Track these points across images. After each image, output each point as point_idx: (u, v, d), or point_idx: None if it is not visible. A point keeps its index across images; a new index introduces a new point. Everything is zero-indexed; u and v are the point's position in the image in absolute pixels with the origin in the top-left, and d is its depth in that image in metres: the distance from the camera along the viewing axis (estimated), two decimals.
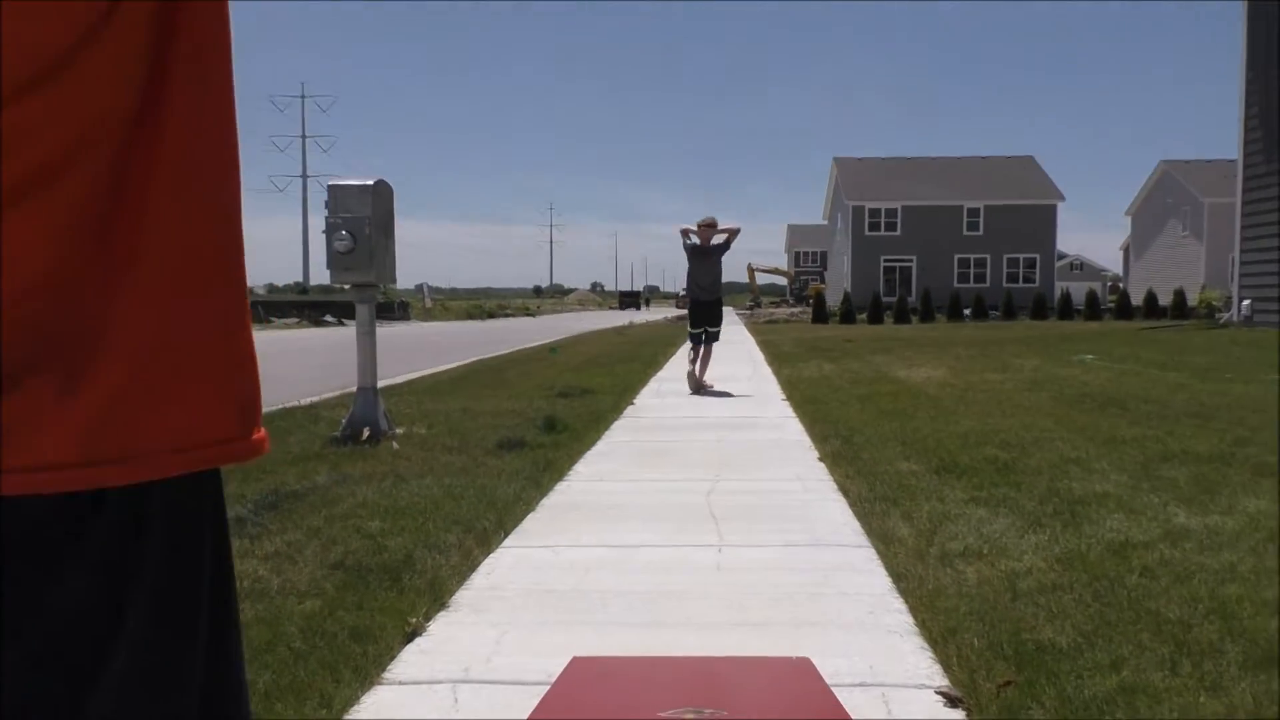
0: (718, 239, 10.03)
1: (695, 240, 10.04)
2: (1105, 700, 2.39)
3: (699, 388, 9.91)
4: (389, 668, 2.69)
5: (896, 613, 3.12)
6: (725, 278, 10.80)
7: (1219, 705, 2.34)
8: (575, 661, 2.31)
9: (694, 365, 10.09)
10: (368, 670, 2.65)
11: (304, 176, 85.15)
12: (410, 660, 2.74)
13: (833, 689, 2.33)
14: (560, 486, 5.10)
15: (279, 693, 2.51)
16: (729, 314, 37.25)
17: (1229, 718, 2.29)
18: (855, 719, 2.15)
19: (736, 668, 2.29)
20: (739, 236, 10.14)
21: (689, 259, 10.18)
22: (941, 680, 2.59)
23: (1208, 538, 3.84)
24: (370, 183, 5.88)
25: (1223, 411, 7.38)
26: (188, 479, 0.74)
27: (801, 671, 2.39)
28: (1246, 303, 19.54)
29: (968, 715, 2.38)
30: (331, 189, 5.94)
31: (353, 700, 2.50)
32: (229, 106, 0.77)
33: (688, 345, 10.61)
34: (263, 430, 0.78)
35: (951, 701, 2.45)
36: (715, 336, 10.22)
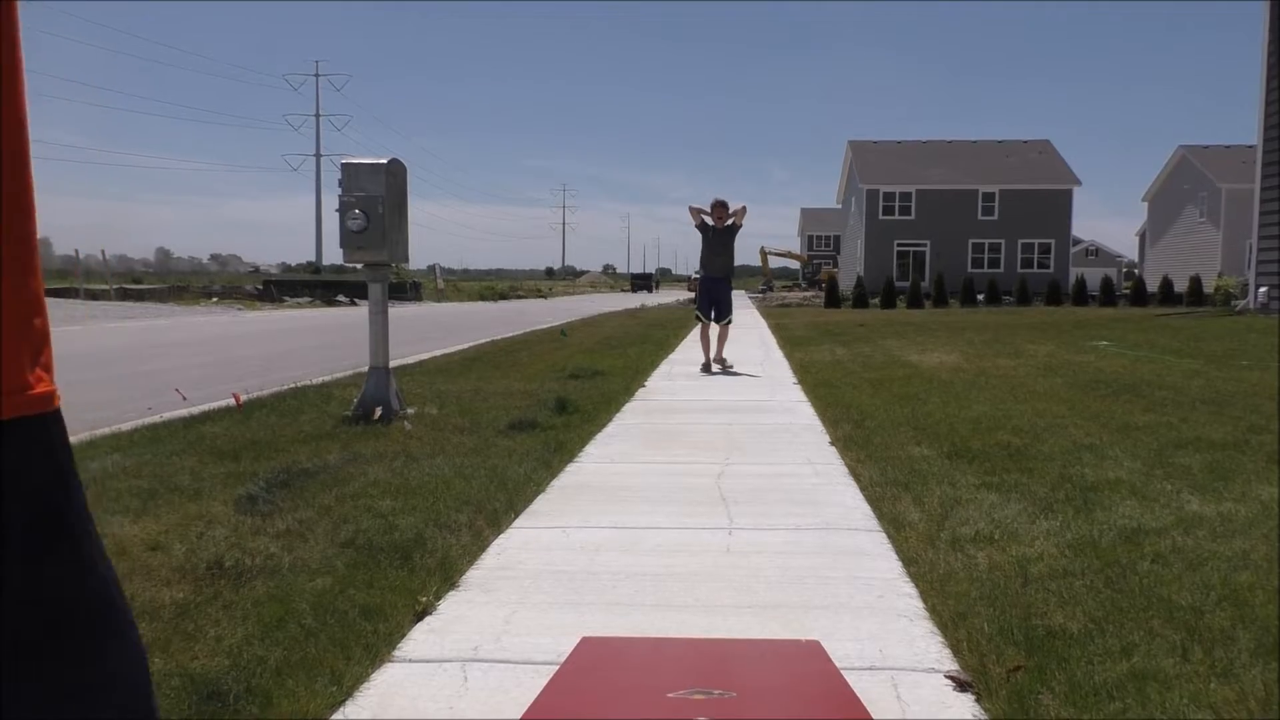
0: (729, 220, 10.34)
1: (710, 221, 10.28)
2: (1115, 686, 2.38)
3: (721, 365, 10.18)
4: (399, 646, 2.70)
5: (906, 597, 3.12)
6: (737, 261, 11.04)
7: (1230, 692, 2.33)
8: (585, 642, 2.32)
9: (707, 346, 10.38)
10: (378, 648, 2.66)
11: (318, 155, 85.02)
12: (420, 639, 2.75)
13: (842, 672, 2.34)
14: (571, 468, 5.11)
15: (290, 669, 2.52)
16: (741, 297, 37.15)
17: (1239, 705, 2.29)
18: (864, 702, 2.16)
19: (746, 649, 2.30)
20: (745, 215, 10.50)
21: (702, 238, 10.42)
22: (951, 664, 2.59)
23: (1221, 525, 3.82)
24: (384, 162, 5.87)
25: (1238, 399, 7.33)
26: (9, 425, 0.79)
27: (811, 654, 2.39)
28: (1263, 290, 19.38)
29: (977, 699, 2.38)
30: (345, 168, 5.93)
31: (363, 678, 2.51)
32: (12, 67, 0.80)
33: (699, 328, 10.86)
34: (54, 384, 0.85)
35: (961, 686, 2.45)
36: (728, 318, 10.54)
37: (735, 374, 9.97)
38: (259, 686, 2.42)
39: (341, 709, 2.34)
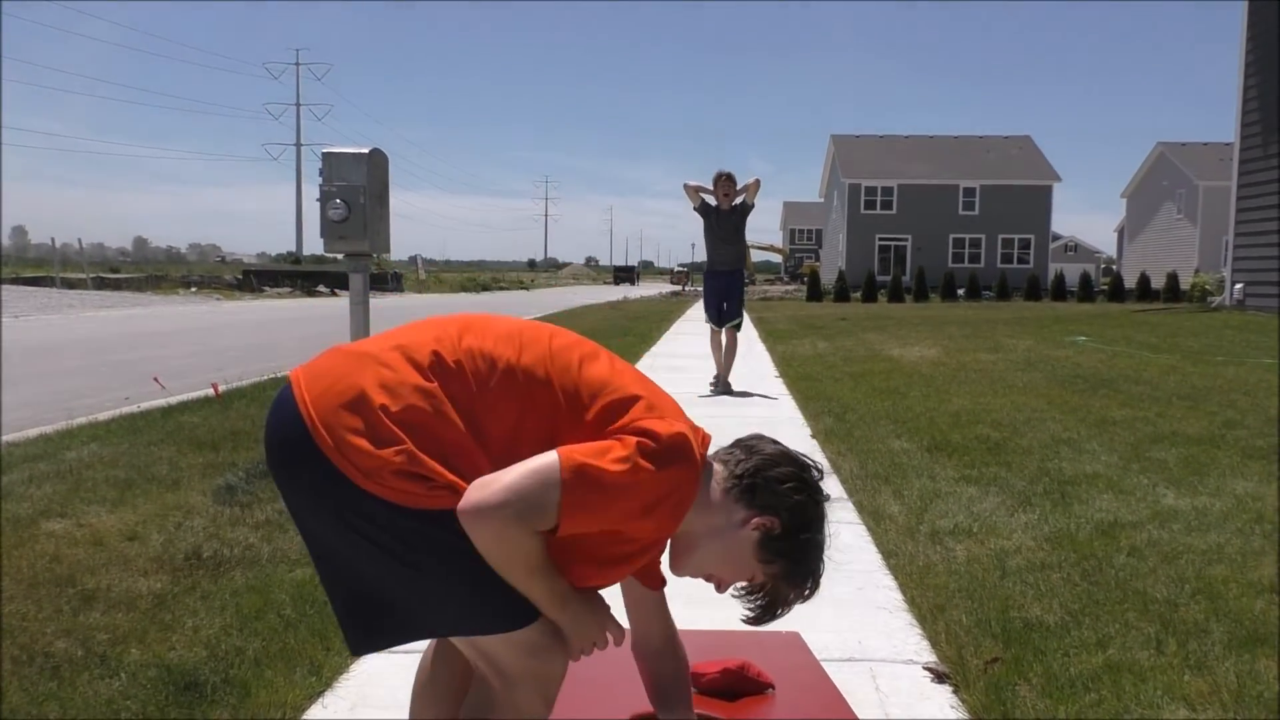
0: (738, 199, 8.10)
1: (711, 200, 8.16)
2: (1091, 678, 2.40)
3: (724, 387, 7.97)
4: None
5: (886, 589, 3.14)
6: None
7: (1203, 684, 2.36)
8: None
9: (720, 349, 8.16)
10: None
11: (298, 145, 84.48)
12: None
13: (821, 663, 2.35)
14: None
15: (269, 659, 2.51)
16: None
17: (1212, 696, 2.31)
18: (843, 693, 2.17)
19: (726, 640, 2.30)
20: (759, 190, 8.20)
21: (704, 223, 8.25)
22: (929, 656, 2.60)
23: (1196, 519, 3.86)
24: (365, 151, 5.83)
25: (1213, 394, 7.41)
26: None
27: (790, 645, 2.40)
28: (1239, 286, 19.57)
29: (954, 691, 2.40)
30: (326, 157, 5.88)
31: (342, 669, 2.50)
32: None
33: (709, 335, 8.39)
34: None
35: (938, 677, 2.47)
36: (736, 320, 8.23)
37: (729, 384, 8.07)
38: (237, 677, 2.41)
39: (320, 699, 2.34)
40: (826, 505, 1.54)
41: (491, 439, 1.38)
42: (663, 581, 1.67)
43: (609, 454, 1.34)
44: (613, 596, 1.58)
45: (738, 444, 1.56)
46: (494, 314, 1.54)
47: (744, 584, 1.55)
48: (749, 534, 1.47)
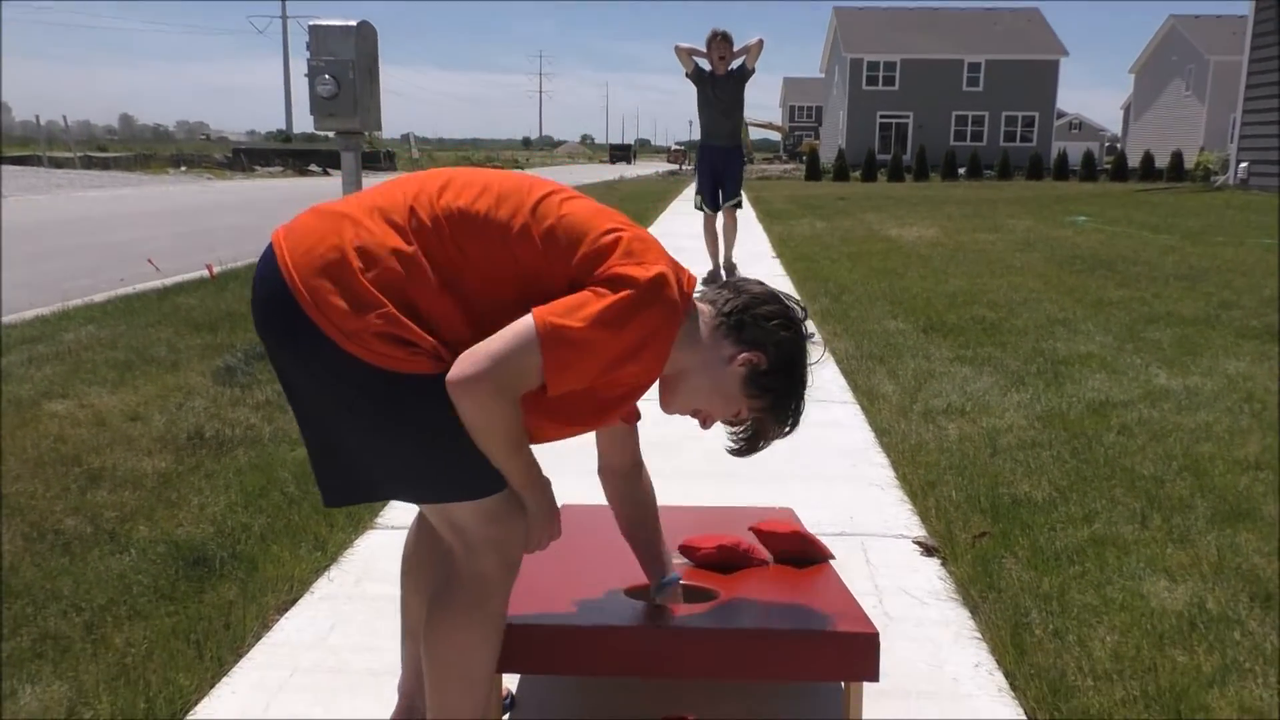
0: (736, 63, 7.38)
1: (706, 65, 7.41)
2: (1076, 551, 2.47)
3: (728, 268, 7.63)
4: (381, 513, 2.76)
5: (878, 466, 3.19)
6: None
7: (1185, 556, 2.43)
8: (564, 509, 2.37)
9: (715, 240, 7.65)
10: (360, 515, 2.72)
11: (284, 17, 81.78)
12: (401, 506, 2.80)
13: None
14: None
15: (274, 535, 2.58)
16: None
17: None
18: (833, 564, 2.22)
19: (720, 516, 2.36)
20: (761, 53, 7.41)
21: (698, 92, 7.52)
22: (919, 531, 2.67)
23: (1186, 398, 3.91)
24: (353, 24, 5.65)
25: (1211, 274, 7.40)
26: None
27: (784, 520, 2.44)
28: (1244, 165, 19.31)
29: (943, 563, 2.47)
30: (313, 30, 5.71)
31: (346, 544, 2.57)
32: None
33: (702, 221, 7.70)
34: None
35: (927, 550, 2.54)
36: (736, 199, 7.62)
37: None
38: (244, 552, 2.47)
39: (326, 573, 2.40)
40: (810, 344, 1.59)
41: (470, 295, 1.39)
42: (638, 416, 1.76)
43: (583, 309, 1.35)
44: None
45: (725, 284, 1.60)
46: (474, 167, 1.53)
47: (730, 419, 1.60)
48: (736, 370, 1.52)
